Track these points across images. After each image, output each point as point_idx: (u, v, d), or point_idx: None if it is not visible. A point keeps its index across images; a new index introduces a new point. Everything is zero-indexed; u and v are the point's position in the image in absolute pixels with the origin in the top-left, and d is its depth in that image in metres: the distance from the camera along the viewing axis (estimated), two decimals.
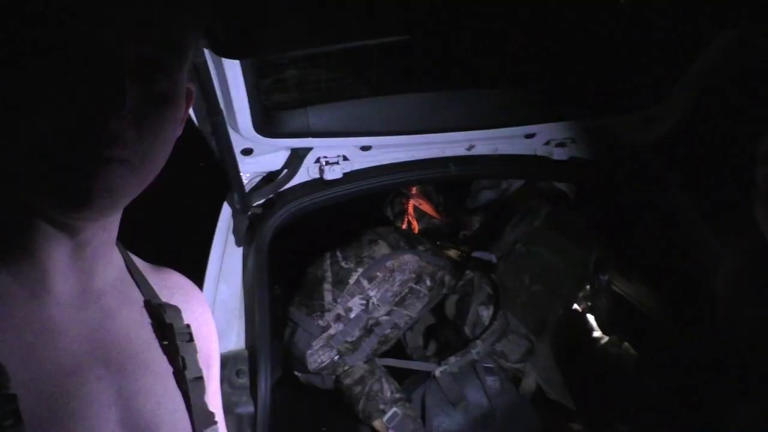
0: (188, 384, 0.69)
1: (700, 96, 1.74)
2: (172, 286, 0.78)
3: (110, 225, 0.65)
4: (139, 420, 0.62)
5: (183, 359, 0.69)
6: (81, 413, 0.57)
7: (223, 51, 1.15)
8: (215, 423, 0.72)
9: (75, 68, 0.51)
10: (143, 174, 0.57)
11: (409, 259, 1.96)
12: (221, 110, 1.57)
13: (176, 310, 0.73)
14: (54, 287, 0.59)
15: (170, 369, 0.69)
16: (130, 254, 0.76)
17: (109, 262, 0.67)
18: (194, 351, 0.72)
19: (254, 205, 1.94)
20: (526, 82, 1.93)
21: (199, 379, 0.71)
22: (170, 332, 0.70)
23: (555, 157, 2.03)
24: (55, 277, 0.59)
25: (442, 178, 2.05)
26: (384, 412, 1.84)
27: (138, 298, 0.71)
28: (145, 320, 0.70)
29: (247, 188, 1.94)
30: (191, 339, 0.72)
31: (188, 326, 0.73)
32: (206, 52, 1.37)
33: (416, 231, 2.65)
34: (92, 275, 0.63)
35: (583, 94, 1.97)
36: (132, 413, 0.62)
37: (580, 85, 1.96)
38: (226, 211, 1.92)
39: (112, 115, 0.51)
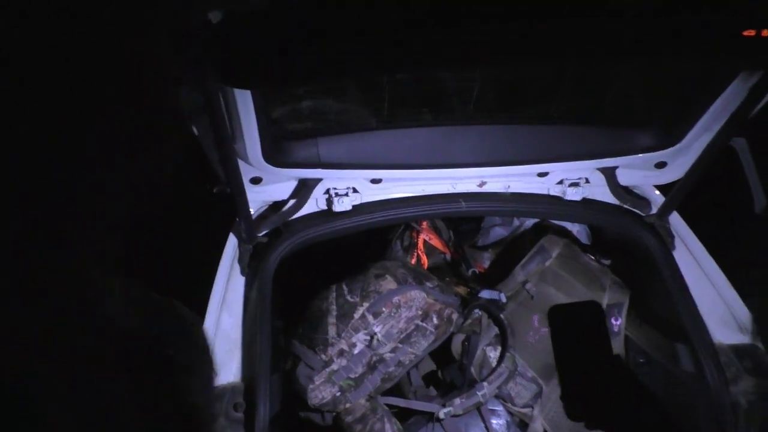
0: None
1: (719, 142, 1.71)
2: None
3: None
4: None
5: None
6: None
7: (233, 81, 1.15)
8: None
9: None
10: None
11: (416, 296, 1.92)
12: (231, 138, 1.57)
13: None
14: None
15: None
16: None
17: None
18: None
19: (260, 234, 1.93)
20: (540, 120, 1.91)
21: None
22: None
23: (567, 197, 2.00)
24: None
25: (453, 215, 2.02)
26: None
27: None
28: None
29: (254, 217, 1.93)
30: None
31: None
32: None
33: (425, 266, 2.60)
34: None
35: (598, 134, 1.95)
36: None
37: (595, 124, 1.94)
38: (232, 239, 1.90)
39: None
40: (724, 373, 1.83)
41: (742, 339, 1.87)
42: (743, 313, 1.90)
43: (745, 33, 1.00)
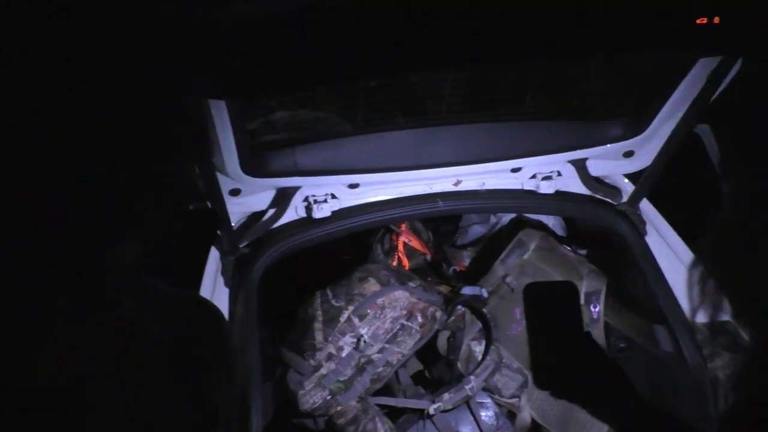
0: None
1: (683, 129, 1.77)
2: None
3: None
4: None
5: None
6: None
7: (211, 92, 1.17)
8: None
9: None
10: None
11: (399, 296, 1.95)
12: (208, 151, 1.59)
13: None
14: None
15: None
16: None
17: None
18: None
19: (242, 245, 1.94)
20: (511, 117, 1.96)
21: None
22: None
23: (541, 190, 2.05)
24: None
25: (431, 214, 2.06)
26: None
27: None
28: None
29: (235, 228, 1.95)
30: None
31: None
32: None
33: (406, 267, 2.64)
34: None
35: (566, 128, 2.00)
36: None
37: (564, 117, 2.00)
38: (214, 253, 1.91)
39: None
40: (702, 350, 1.90)
41: (716, 317, 1.93)
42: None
43: (698, 21, 1.05)
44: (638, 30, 1.09)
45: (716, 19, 1.07)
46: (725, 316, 1.92)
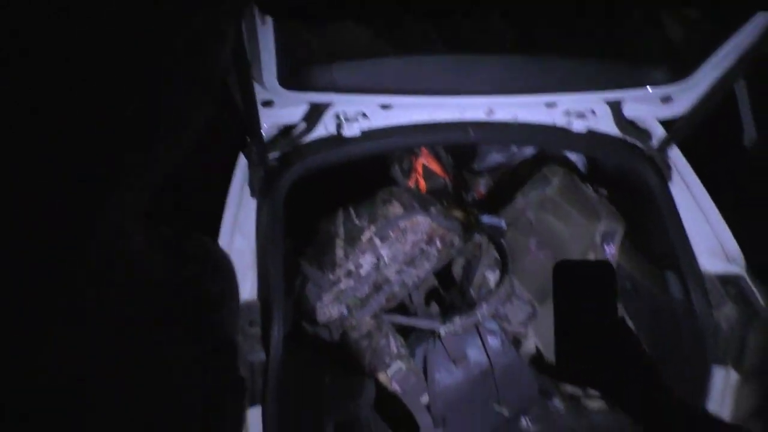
0: None
1: (727, 81, 1.74)
2: None
3: None
4: None
5: None
6: None
7: (271, 9, 1.14)
8: None
9: None
10: None
11: (421, 221, 1.98)
12: (248, 61, 1.56)
13: None
14: None
15: None
16: None
17: None
18: None
19: (270, 157, 1.95)
20: (551, 51, 1.91)
21: None
22: None
23: (573, 128, 2.03)
24: None
25: (461, 142, 2.05)
26: (389, 366, 1.90)
27: None
28: None
29: (265, 140, 1.94)
30: None
31: None
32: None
33: (424, 190, 2.66)
34: None
35: (606, 67, 1.96)
36: None
37: (605, 57, 1.95)
38: (242, 162, 1.92)
39: None
40: (708, 298, 1.95)
41: (729, 269, 1.97)
42: (732, 245, 2.00)
43: None
44: None
45: None
46: (737, 269, 1.97)
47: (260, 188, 1.90)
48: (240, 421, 0.72)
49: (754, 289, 1.93)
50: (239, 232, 1.86)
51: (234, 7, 0.74)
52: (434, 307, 2.19)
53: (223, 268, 0.86)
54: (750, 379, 1.92)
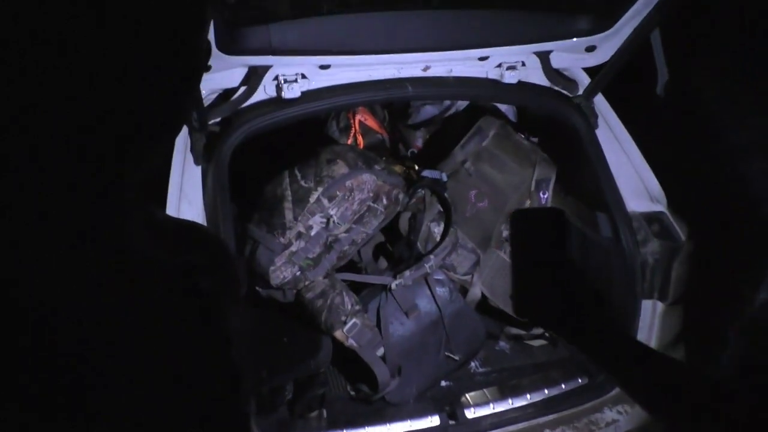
0: None
1: (647, 28, 1.85)
2: None
3: None
4: None
5: None
6: None
7: None
8: None
9: None
10: None
11: (367, 179, 2.02)
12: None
13: None
14: None
15: None
16: None
17: None
18: None
19: (211, 122, 1.92)
20: (481, 5, 1.96)
21: None
22: None
23: (505, 80, 2.11)
24: None
25: (400, 99, 2.08)
26: (345, 323, 1.95)
27: None
28: None
29: (204, 105, 1.91)
30: None
31: None
32: None
33: (362, 146, 2.69)
34: None
35: (534, 19, 2.04)
36: None
37: (533, 8, 2.02)
38: (183, 129, 1.88)
39: None
40: (636, 236, 2.11)
41: (652, 208, 2.13)
42: (654, 185, 2.15)
43: None
44: None
45: None
46: (660, 207, 2.13)
47: (203, 155, 1.88)
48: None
49: (675, 226, 2.09)
50: (185, 200, 1.84)
51: None
52: (383, 263, 2.25)
53: (221, 257, 0.85)
54: (673, 309, 2.10)
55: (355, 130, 2.74)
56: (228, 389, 0.71)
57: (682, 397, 0.85)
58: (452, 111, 2.74)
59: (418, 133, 2.82)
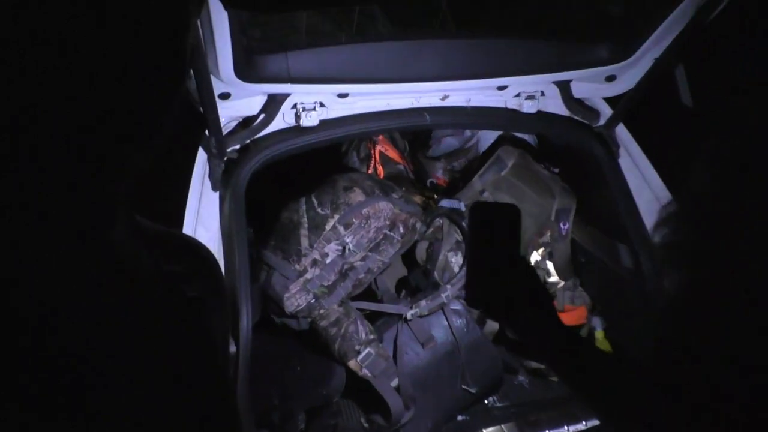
0: None
1: (668, 57, 1.83)
2: None
3: None
4: None
5: None
6: None
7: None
8: None
9: None
10: None
11: (383, 207, 2.02)
12: (204, 52, 1.55)
13: None
14: None
15: None
16: None
17: None
18: None
19: (230, 150, 1.94)
20: (501, 34, 1.97)
21: None
22: None
23: (524, 109, 2.10)
24: None
25: (417, 128, 2.09)
26: (359, 352, 1.93)
27: None
28: None
29: (223, 133, 1.93)
30: None
31: None
32: None
33: (381, 176, 2.69)
34: None
35: (553, 49, 2.03)
36: None
37: (552, 38, 2.02)
38: (201, 155, 1.91)
39: None
40: (658, 269, 2.05)
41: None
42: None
43: None
44: None
45: None
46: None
47: (221, 181, 1.90)
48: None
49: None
50: (202, 226, 1.85)
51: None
52: (400, 291, 2.23)
53: (207, 265, 0.86)
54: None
55: (376, 160, 2.74)
56: (218, 393, 0.70)
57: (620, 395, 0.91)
58: (473, 142, 2.73)
59: (438, 164, 2.82)
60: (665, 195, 2.13)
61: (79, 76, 0.51)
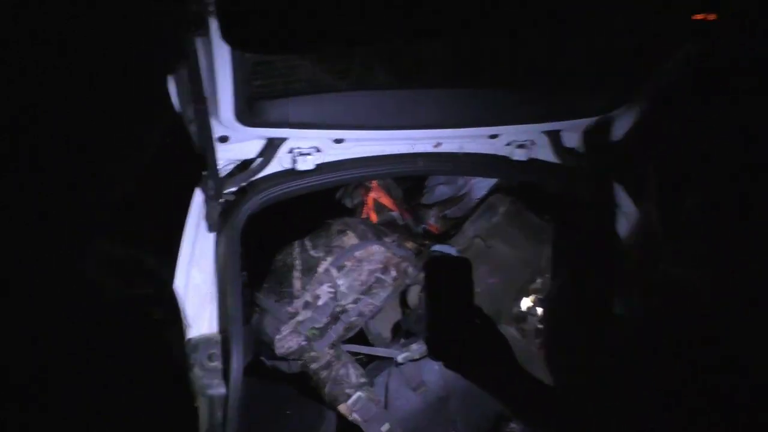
0: None
1: (659, 103, 1.89)
2: None
3: None
4: None
5: None
6: None
7: (234, 41, 1.19)
8: None
9: None
10: None
11: (376, 250, 2.04)
12: (205, 97, 1.60)
13: None
14: None
15: None
16: None
17: None
18: None
19: (226, 191, 1.97)
20: (493, 84, 2.03)
21: None
22: None
23: (515, 157, 2.15)
24: None
25: (411, 173, 2.13)
26: (349, 396, 1.92)
27: None
28: None
29: (221, 175, 1.97)
30: None
31: None
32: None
33: (375, 223, 2.71)
34: None
35: (544, 99, 2.09)
36: None
37: (543, 88, 2.08)
38: (198, 197, 1.93)
39: None
40: (644, 311, 2.07)
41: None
42: None
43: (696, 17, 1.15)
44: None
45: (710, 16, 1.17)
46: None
47: (217, 223, 1.92)
48: None
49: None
50: (196, 267, 1.86)
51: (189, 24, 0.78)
52: (392, 335, 2.23)
53: (167, 291, 0.89)
54: None
55: (369, 207, 2.78)
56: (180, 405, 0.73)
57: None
58: (465, 190, 2.78)
59: (431, 211, 2.85)
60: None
61: (79, 75, 0.54)
